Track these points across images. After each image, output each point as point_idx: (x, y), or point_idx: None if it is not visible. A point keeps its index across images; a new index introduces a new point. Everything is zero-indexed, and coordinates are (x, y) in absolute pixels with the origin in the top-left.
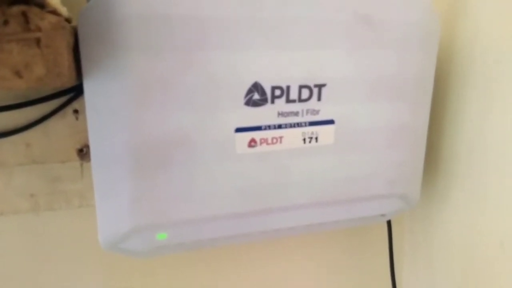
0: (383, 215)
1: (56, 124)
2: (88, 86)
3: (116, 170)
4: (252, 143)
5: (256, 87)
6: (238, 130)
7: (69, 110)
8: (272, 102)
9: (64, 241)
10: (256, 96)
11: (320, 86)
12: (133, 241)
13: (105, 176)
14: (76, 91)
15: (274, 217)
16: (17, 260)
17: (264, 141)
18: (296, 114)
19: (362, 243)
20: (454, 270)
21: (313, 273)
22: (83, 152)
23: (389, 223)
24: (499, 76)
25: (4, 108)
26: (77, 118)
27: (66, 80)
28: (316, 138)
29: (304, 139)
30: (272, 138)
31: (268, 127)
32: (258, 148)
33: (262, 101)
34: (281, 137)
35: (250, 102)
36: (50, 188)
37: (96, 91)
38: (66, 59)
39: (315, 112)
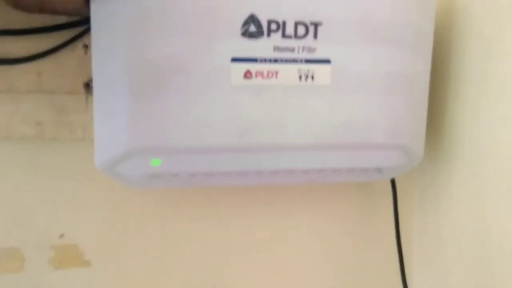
0: (382, 170)
1: (66, 57)
2: (94, 9)
3: (115, 92)
4: (247, 74)
5: (252, 19)
6: (234, 60)
7: (79, 44)
8: (268, 35)
9: (67, 171)
10: (252, 28)
11: (316, 24)
12: (128, 165)
13: (105, 97)
14: (87, 25)
15: (270, 157)
16: (20, 185)
17: (259, 74)
18: (292, 50)
19: (368, 205)
20: (464, 225)
21: (316, 234)
22: (89, 86)
23: (393, 183)
24: (500, 23)
25: (17, 32)
26: (86, 53)
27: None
28: (312, 77)
29: (300, 76)
30: (268, 72)
31: (264, 60)
32: (254, 81)
33: (258, 34)
34: (276, 72)
35: (246, 34)
36: (56, 117)
37: (100, 14)
38: None
39: (311, 50)
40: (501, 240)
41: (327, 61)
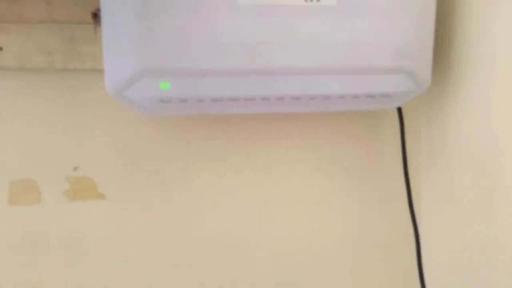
0: (389, 97)
1: None
2: None
3: (121, 14)
4: None
5: None
6: None
7: None
8: None
9: (79, 101)
10: None
11: None
12: (137, 88)
13: (112, 21)
14: None
15: (277, 81)
16: (33, 116)
17: None
18: None
19: (375, 137)
20: (473, 152)
21: (323, 165)
22: (97, 16)
23: (400, 113)
24: None
25: None
26: None
27: None
28: None
29: None
30: None
31: None
32: (259, 1)
33: None
34: None
35: None
36: (66, 47)
37: None
38: None
39: None
40: (510, 163)
41: None
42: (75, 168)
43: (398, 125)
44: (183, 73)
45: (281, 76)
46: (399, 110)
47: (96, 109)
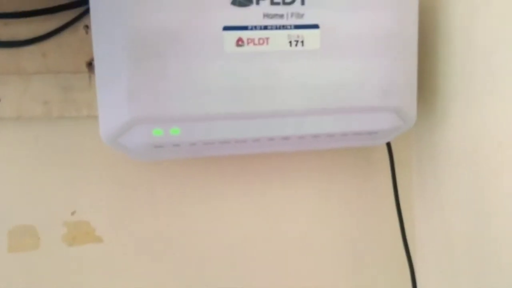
0: (377, 134)
1: (68, 37)
2: None
3: (115, 61)
4: (239, 42)
5: None
6: (226, 28)
7: (80, 25)
8: (257, 3)
9: (75, 148)
10: None
11: None
12: (131, 136)
13: (105, 71)
14: (87, 6)
15: (267, 123)
16: (31, 164)
17: (251, 41)
18: (281, 16)
19: (366, 173)
20: (463, 184)
21: (315, 202)
22: (92, 65)
23: (389, 148)
24: None
25: (22, 14)
26: (87, 33)
27: None
28: (302, 42)
29: (290, 42)
30: (259, 39)
31: (255, 27)
32: (246, 48)
33: (247, 2)
34: (267, 38)
35: (236, 2)
36: (62, 96)
37: None
38: None
39: (300, 15)
40: (499, 195)
41: (315, 26)
42: (73, 213)
43: (388, 160)
44: (175, 120)
45: (270, 119)
46: (388, 144)
47: (92, 155)
